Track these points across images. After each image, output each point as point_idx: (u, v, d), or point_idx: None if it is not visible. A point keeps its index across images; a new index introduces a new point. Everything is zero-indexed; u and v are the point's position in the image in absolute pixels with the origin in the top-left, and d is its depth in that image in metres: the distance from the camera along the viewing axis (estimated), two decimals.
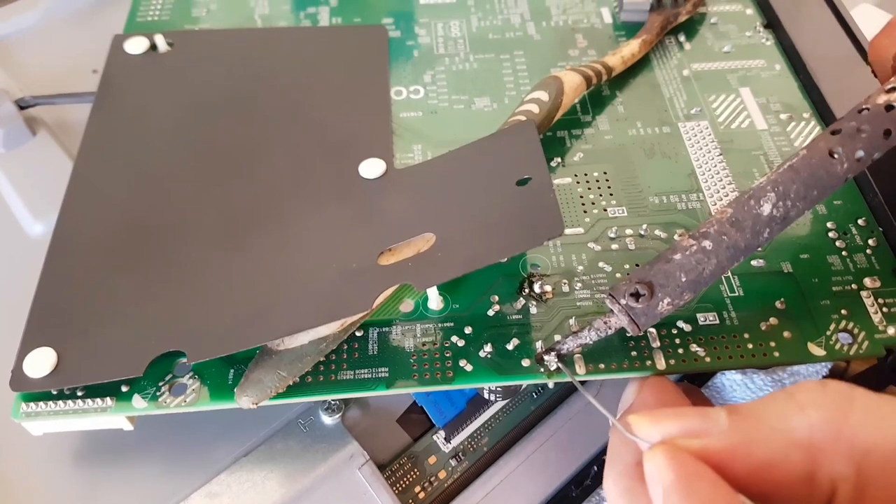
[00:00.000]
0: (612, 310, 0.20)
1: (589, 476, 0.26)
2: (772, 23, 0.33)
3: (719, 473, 0.16)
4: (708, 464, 0.16)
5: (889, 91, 0.21)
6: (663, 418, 0.17)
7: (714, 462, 0.16)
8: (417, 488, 0.25)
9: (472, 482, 0.25)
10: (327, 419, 0.24)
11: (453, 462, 0.25)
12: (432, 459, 0.25)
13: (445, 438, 0.25)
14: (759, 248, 0.21)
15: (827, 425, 0.16)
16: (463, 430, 0.26)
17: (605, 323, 0.21)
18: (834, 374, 0.27)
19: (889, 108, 0.21)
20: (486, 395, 0.25)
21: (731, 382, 0.28)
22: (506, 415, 0.26)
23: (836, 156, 0.20)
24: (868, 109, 0.21)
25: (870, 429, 0.16)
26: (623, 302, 0.20)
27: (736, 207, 0.21)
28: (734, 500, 0.16)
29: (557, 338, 0.22)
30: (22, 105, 0.30)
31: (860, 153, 0.20)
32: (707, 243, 0.20)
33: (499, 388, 0.24)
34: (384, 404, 0.26)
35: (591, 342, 0.21)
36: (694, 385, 0.26)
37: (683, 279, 0.20)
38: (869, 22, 0.37)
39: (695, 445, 0.17)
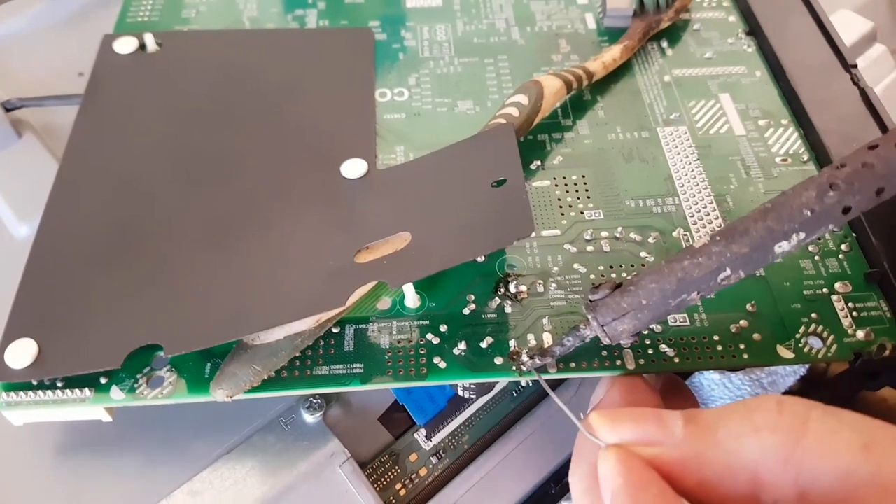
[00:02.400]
0: (588, 319, 0.20)
1: (568, 473, 0.26)
2: (754, 30, 0.33)
3: (668, 481, 0.17)
4: (658, 471, 0.17)
5: None
6: (620, 421, 0.18)
7: (664, 471, 0.17)
8: (398, 486, 0.25)
9: (453, 479, 0.25)
10: (309, 417, 0.24)
11: (434, 460, 0.25)
12: (413, 457, 0.25)
13: (426, 436, 0.26)
14: None
15: (777, 450, 0.16)
16: (444, 428, 0.26)
17: (582, 336, 0.21)
18: (813, 375, 0.28)
19: None
20: (460, 392, 0.25)
21: (710, 382, 0.29)
22: (486, 413, 0.26)
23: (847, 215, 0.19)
24: None
25: (818, 457, 0.16)
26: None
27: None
28: None
29: (530, 336, 0.23)
30: (7, 107, 0.31)
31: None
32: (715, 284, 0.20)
33: (473, 385, 0.24)
34: (366, 403, 0.26)
35: (571, 350, 0.21)
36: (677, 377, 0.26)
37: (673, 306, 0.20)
38: (847, 27, 0.38)
39: (647, 453, 0.17)
